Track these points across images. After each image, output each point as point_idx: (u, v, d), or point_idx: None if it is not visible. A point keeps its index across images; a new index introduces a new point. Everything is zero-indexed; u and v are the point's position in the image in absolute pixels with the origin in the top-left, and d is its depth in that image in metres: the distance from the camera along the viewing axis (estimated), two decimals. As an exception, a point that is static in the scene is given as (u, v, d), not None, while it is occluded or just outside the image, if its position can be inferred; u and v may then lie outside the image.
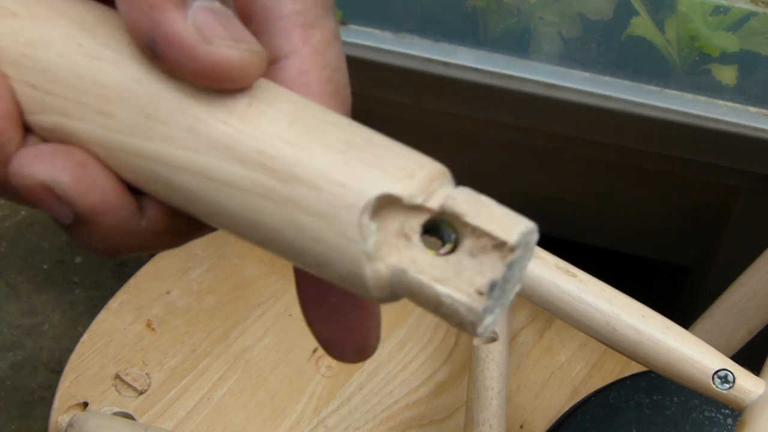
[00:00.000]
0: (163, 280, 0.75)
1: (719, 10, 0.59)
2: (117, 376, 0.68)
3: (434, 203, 0.22)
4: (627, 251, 0.83)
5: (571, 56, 0.63)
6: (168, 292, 0.74)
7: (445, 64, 0.65)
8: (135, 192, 0.25)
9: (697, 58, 0.61)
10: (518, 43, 0.64)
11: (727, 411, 0.58)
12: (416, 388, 0.70)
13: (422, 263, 0.22)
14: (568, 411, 0.62)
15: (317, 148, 0.23)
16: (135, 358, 0.69)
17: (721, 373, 0.45)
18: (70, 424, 0.61)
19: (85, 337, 0.71)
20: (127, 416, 0.65)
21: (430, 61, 0.65)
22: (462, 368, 0.71)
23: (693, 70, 0.62)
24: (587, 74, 0.64)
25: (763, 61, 0.60)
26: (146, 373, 0.69)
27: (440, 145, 0.73)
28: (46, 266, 1.15)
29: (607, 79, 0.64)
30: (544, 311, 0.51)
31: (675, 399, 0.59)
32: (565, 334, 0.73)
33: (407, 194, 0.22)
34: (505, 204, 0.22)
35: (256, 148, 0.23)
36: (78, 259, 1.15)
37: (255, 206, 0.23)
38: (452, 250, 0.22)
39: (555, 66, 0.64)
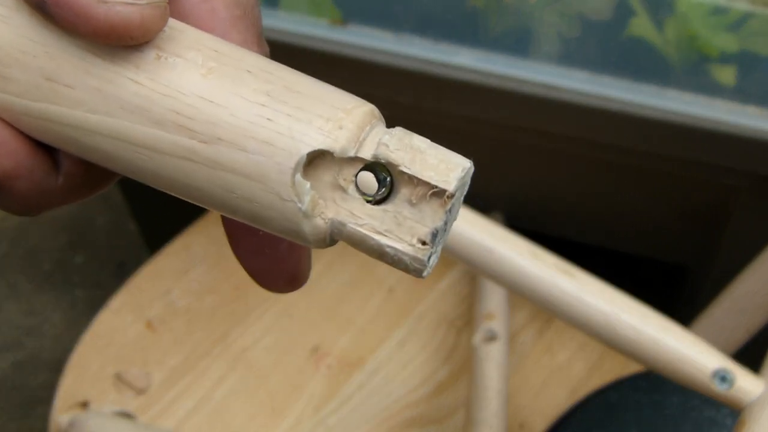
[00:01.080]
0: (163, 280, 0.75)
1: (719, 11, 0.59)
2: (117, 376, 0.68)
3: (367, 153, 0.22)
4: (626, 251, 0.83)
5: (571, 56, 0.63)
6: (168, 292, 0.74)
7: (445, 64, 0.65)
8: (48, 148, 0.23)
9: (697, 58, 0.61)
10: (518, 43, 0.64)
11: (726, 411, 0.58)
12: (416, 388, 0.70)
13: (361, 215, 0.22)
14: (567, 411, 0.62)
15: (237, 103, 0.21)
16: (135, 358, 0.70)
17: (721, 373, 0.46)
18: (70, 424, 0.61)
19: (85, 337, 0.71)
20: (128, 416, 0.65)
21: (430, 61, 0.65)
22: (462, 368, 0.71)
23: (692, 71, 0.62)
24: (587, 74, 0.64)
25: (762, 62, 0.60)
26: (146, 373, 0.69)
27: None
28: (46, 266, 1.15)
29: (607, 79, 0.64)
30: (544, 311, 0.51)
31: (675, 399, 0.59)
32: (565, 334, 0.73)
33: (339, 148, 0.21)
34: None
35: (171, 108, 0.21)
36: (78, 259, 1.15)
37: (178, 168, 0.22)
38: (389, 193, 0.22)
39: (554, 66, 0.64)
